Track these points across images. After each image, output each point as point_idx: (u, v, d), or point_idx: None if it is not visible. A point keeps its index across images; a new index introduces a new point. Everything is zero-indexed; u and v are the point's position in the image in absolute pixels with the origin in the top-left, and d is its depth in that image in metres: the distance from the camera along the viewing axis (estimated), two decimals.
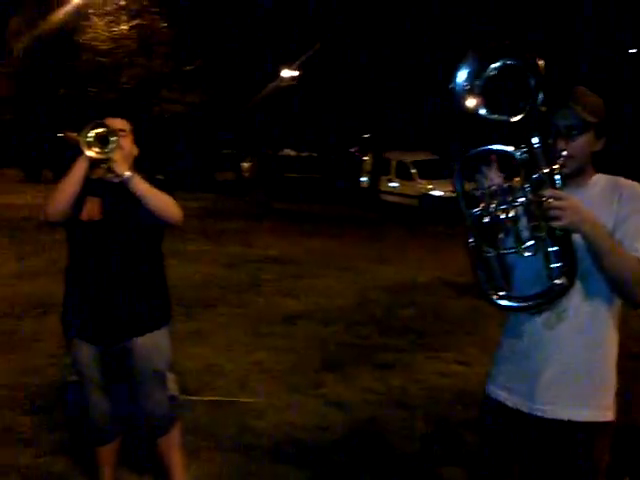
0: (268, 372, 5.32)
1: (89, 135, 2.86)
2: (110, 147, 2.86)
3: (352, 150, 28.42)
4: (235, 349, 5.88)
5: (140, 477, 3.60)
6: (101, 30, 18.38)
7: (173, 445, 3.31)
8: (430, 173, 18.56)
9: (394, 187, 20.07)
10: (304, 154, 30.67)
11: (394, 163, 20.26)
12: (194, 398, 4.60)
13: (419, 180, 18.97)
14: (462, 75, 1.95)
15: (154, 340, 3.09)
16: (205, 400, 4.64)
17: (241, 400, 4.71)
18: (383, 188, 20.36)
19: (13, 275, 8.61)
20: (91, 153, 2.86)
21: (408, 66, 19.00)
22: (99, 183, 3.00)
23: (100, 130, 2.87)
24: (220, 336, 6.22)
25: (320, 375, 5.27)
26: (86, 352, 3.05)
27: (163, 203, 2.99)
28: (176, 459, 3.34)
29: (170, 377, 3.21)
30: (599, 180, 2.16)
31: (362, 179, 21.96)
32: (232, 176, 26.74)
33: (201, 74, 18.98)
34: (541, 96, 1.89)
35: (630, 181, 2.13)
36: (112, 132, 2.88)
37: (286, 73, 23.87)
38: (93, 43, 18.37)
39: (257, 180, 20.07)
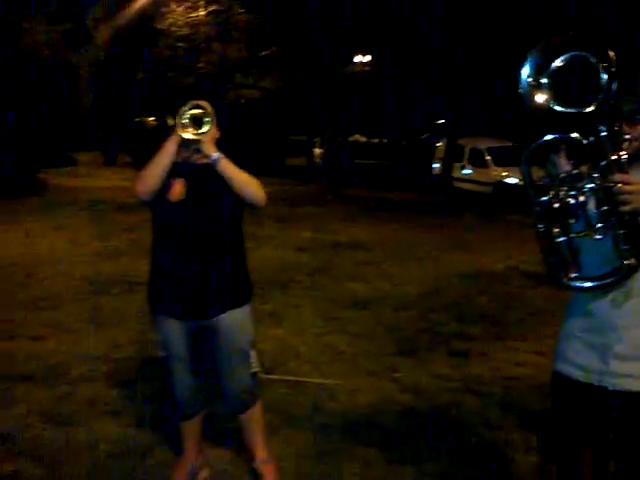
0: (341, 355, 5.39)
1: (185, 117, 2.94)
2: (204, 129, 2.95)
3: (424, 136, 28.13)
4: (308, 331, 5.97)
5: (223, 452, 3.71)
6: (179, 16, 18.71)
7: (255, 421, 3.41)
8: (505, 160, 18.23)
9: (468, 174, 19.80)
10: (375, 140, 30.59)
11: (468, 150, 19.96)
12: (269, 377, 4.71)
13: (494, 167, 18.65)
14: (529, 71, 2.01)
15: (238, 317, 3.18)
16: (280, 380, 4.74)
17: (315, 381, 4.79)
18: (456, 175, 20.11)
19: (96, 254, 8.93)
20: (187, 135, 2.94)
21: (483, 49, 18.66)
22: (184, 164, 3.08)
23: (195, 111, 2.95)
24: (293, 318, 6.32)
25: (394, 360, 5.31)
26: (172, 328, 3.16)
27: (249, 184, 3.08)
28: (258, 436, 3.43)
29: (253, 354, 3.29)
30: None
31: (434, 166, 21.72)
32: (303, 162, 26.91)
33: (276, 60, 19.11)
34: (614, 86, 1.94)
35: None
36: (206, 114, 2.96)
37: (359, 58, 23.82)
38: (171, 29, 18.74)
39: (328, 166, 20.10)
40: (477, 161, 19.46)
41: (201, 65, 19.39)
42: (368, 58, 24.22)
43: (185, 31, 19.07)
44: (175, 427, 3.51)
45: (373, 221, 13.29)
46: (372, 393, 4.64)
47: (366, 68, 24.36)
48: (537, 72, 2.01)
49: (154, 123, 34.22)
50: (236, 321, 3.18)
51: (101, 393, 4.45)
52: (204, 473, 3.47)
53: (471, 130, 21.50)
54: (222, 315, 3.13)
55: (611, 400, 2.25)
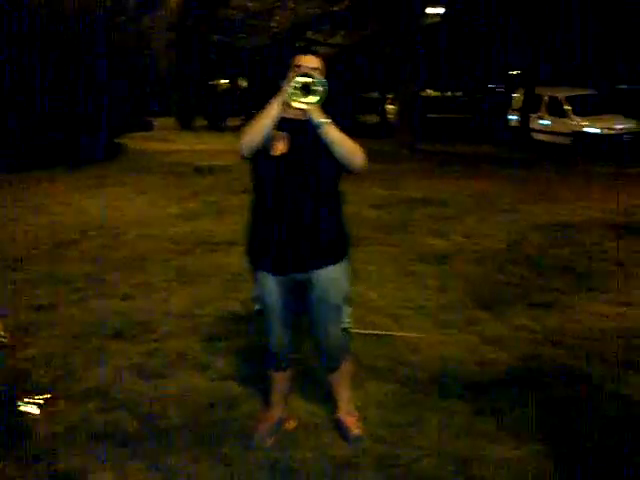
0: (421, 309, 5.40)
1: (295, 85, 2.94)
2: (314, 98, 2.95)
3: (499, 88, 27.40)
4: (387, 286, 5.99)
5: (308, 403, 3.80)
6: None
7: (345, 377, 3.49)
8: (585, 109, 17.61)
9: (546, 125, 19.22)
10: (448, 94, 29.99)
11: (546, 99, 19.32)
12: (354, 331, 4.75)
13: (573, 117, 18.05)
14: None
15: (335, 273, 3.22)
16: (361, 333, 4.79)
17: (397, 334, 4.84)
18: (534, 126, 19.54)
19: (176, 217, 9.15)
20: (296, 103, 2.95)
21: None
22: (289, 120, 3.07)
23: (306, 80, 2.95)
24: (372, 274, 6.34)
25: (474, 313, 5.29)
26: (271, 283, 3.22)
27: (350, 150, 3.08)
28: (346, 390, 3.52)
29: (346, 310, 3.33)
30: None
31: (511, 117, 21.15)
32: (376, 119, 26.66)
33: (348, 15, 18.86)
34: None
35: None
36: (315, 82, 2.95)
37: (431, 10, 23.23)
38: None
39: (401, 122, 19.83)
40: (555, 111, 18.84)
41: (274, 25, 19.32)
42: (441, 10, 23.61)
43: None
44: (261, 380, 3.62)
45: (448, 176, 13.11)
46: (453, 346, 4.65)
47: (438, 20, 23.74)
48: None
49: (227, 85, 34.54)
50: (333, 276, 3.21)
51: (188, 348, 4.61)
52: (290, 424, 3.57)
53: (549, 79, 20.79)
54: (319, 270, 3.17)
55: None
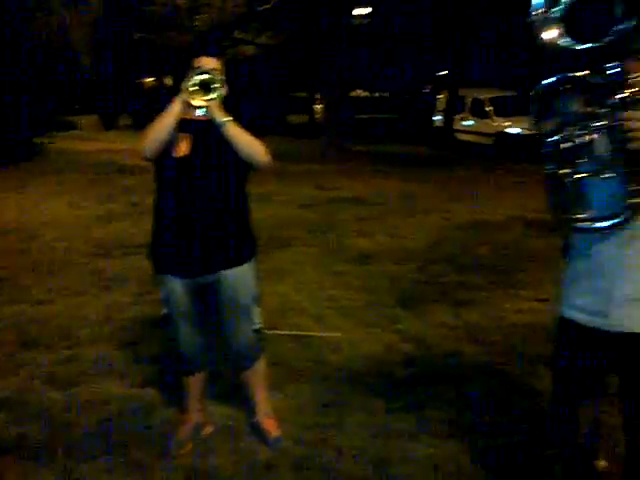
0: (343, 309, 5.41)
1: (193, 82, 2.91)
2: (212, 95, 2.93)
3: (426, 89, 27.83)
4: (311, 287, 5.98)
5: (225, 408, 3.74)
6: None
7: (259, 377, 3.45)
8: (507, 110, 18.04)
9: (469, 125, 19.62)
10: (376, 94, 30.26)
11: (469, 101, 19.74)
12: (272, 332, 4.73)
13: (495, 118, 18.47)
14: (539, 6, 2.00)
15: (241, 273, 3.20)
16: (283, 334, 4.77)
17: (318, 334, 4.82)
18: (457, 127, 19.92)
19: (96, 218, 8.93)
20: (195, 101, 2.93)
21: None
22: (191, 121, 3.05)
23: (204, 77, 2.92)
24: (296, 274, 6.33)
25: (395, 311, 5.33)
26: (176, 286, 3.17)
27: (253, 147, 3.06)
28: (261, 391, 3.48)
29: (256, 311, 3.31)
30: None
31: (436, 118, 21.51)
32: (305, 119, 26.69)
33: (274, 15, 18.78)
34: (628, 23, 1.89)
35: None
36: (215, 79, 2.93)
37: (358, 11, 23.41)
38: None
39: (329, 122, 19.93)
40: (478, 112, 19.25)
41: (199, 23, 19.06)
42: (368, 10, 23.81)
43: None
44: (178, 386, 3.55)
45: (376, 176, 13.23)
46: (374, 344, 4.67)
47: (366, 21, 23.95)
48: (549, 4, 2.00)
49: (153, 84, 33.99)
50: (239, 277, 3.20)
51: (104, 355, 4.48)
52: (207, 429, 3.51)
53: (473, 81, 21.22)
54: (225, 271, 3.15)
55: (616, 342, 2.27)
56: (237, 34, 19.85)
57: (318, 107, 24.77)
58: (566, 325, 2.39)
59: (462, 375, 4.19)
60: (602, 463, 2.90)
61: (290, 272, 6.39)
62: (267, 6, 17.70)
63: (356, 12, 23.41)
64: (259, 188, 9.97)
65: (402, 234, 7.98)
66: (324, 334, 4.83)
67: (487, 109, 18.83)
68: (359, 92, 29.18)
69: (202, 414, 3.52)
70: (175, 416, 3.63)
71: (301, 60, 23.65)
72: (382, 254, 7.07)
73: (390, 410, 3.72)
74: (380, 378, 4.13)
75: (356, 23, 22.46)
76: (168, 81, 32.34)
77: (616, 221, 2.09)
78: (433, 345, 4.66)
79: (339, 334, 4.82)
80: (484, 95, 19.33)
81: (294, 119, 26.40)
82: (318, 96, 24.12)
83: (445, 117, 20.06)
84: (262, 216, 8.44)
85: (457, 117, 19.84)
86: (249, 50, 20.72)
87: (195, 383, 3.45)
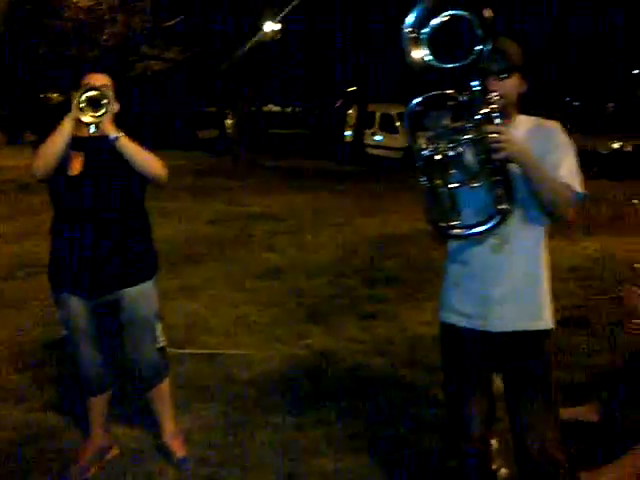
0: (253, 325, 5.41)
1: (81, 99, 2.88)
2: (102, 111, 2.90)
3: (337, 104, 28.20)
4: (220, 304, 5.96)
5: (131, 429, 3.68)
6: None
7: (164, 397, 3.41)
8: (415, 125, 18.44)
9: (379, 140, 19.99)
10: (288, 109, 30.48)
11: (378, 116, 20.13)
12: (181, 351, 4.69)
13: (404, 132, 18.87)
14: (409, 25, 2.12)
15: (142, 291, 3.17)
16: (192, 353, 4.73)
17: (227, 352, 4.80)
18: (368, 142, 20.26)
19: None
20: (85, 118, 2.90)
21: (389, 16, 18.76)
22: (84, 139, 3.03)
23: (91, 94, 2.90)
24: (204, 291, 6.30)
25: (305, 326, 5.37)
26: (75, 305, 3.12)
27: (149, 163, 3.06)
28: (167, 411, 3.43)
29: (159, 329, 3.28)
30: (524, 120, 2.40)
31: (346, 133, 21.82)
32: (215, 134, 26.56)
33: (182, 30, 18.69)
34: (488, 44, 2.06)
35: (551, 121, 2.40)
36: (103, 95, 2.91)
37: (269, 27, 23.52)
38: (73, 1, 17.98)
39: (240, 137, 19.94)
40: (388, 127, 19.66)
41: (105, 37, 18.74)
42: (278, 26, 23.96)
43: (88, 2, 18.32)
44: (81, 408, 3.46)
45: (286, 191, 13.30)
46: (283, 361, 4.69)
47: (277, 37, 24.08)
48: (418, 25, 2.11)
49: (59, 99, 33.07)
50: (140, 295, 3.17)
51: (5, 379, 4.33)
52: (112, 452, 3.44)
53: (384, 96, 21.65)
54: (125, 290, 3.12)
55: (496, 342, 2.40)
56: (144, 49, 19.62)
57: (229, 122, 24.73)
58: (448, 330, 2.51)
59: (369, 388, 4.25)
60: (503, 471, 3.02)
61: (200, 289, 6.35)
62: (173, 22, 17.58)
63: (267, 28, 23.53)
64: (169, 204, 9.93)
65: (312, 248, 8.06)
66: (233, 352, 4.81)
67: (396, 124, 19.25)
68: (270, 107, 29.32)
69: (106, 437, 3.44)
70: (78, 440, 3.54)
71: (211, 75, 23.54)
72: (293, 269, 7.12)
73: (298, 426, 3.73)
74: (288, 394, 4.14)
75: (267, 39, 22.55)
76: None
77: (488, 227, 2.23)
78: (341, 359, 4.71)
79: (248, 351, 4.81)
80: (393, 110, 19.76)
81: (204, 134, 26.22)
82: (229, 111, 24.08)
83: (355, 132, 20.38)
84: (172, 232, 8.40)
85: (367, 132, 20.18)
86: (157, 65, 20.49)
87: (98, 405, 3.37)
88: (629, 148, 17.48)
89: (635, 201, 12.02)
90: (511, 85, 2.30)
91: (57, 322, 5.15)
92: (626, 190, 13.31)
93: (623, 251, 7.55)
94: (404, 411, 3.93)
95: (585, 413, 3.68)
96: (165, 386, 3.40)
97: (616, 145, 17.43)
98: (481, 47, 2.06)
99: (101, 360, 3.26)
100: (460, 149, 2.18)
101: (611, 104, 30.67)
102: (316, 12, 21.39)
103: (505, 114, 2.27)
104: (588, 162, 16.43)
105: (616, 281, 6.16)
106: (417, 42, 2.11)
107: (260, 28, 19.42)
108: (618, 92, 29.81)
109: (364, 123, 20.25)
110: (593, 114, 24.83)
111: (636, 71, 30.83)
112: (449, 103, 2.18)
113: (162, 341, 3.31)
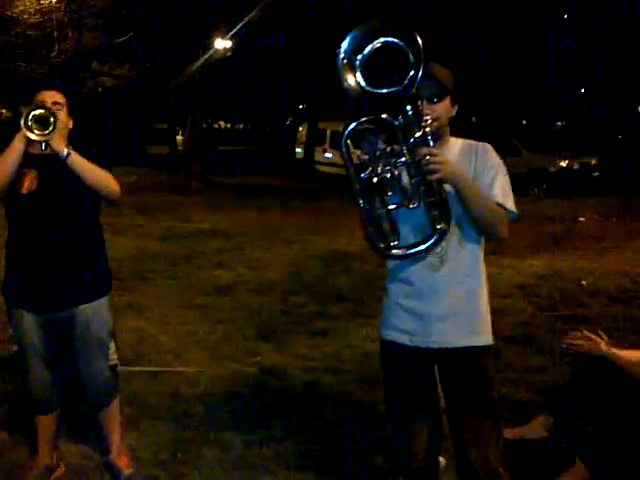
0: (202, 342, 5.40)
1: (28, 118, 2.89)
2: (50, 129, 2.91)
3: (287, 122, 28.37)
4: (169, 321, 5.93)
5: (77, 447, 3.64)
6: (29, 3, 17.70)
7: (113, 415, 3.40)
8: (351, 149, 18.64)
9: (329, 158, 20.12)
10: (239, 126, 30.50)
11: (329, 133, 20.28)
12: (129, 368, 4.66)
13: (354, 150, 19.02)
14: (344, 52, 2.18)
15: (96, 308, 3.17)
16: (139, 371, 4.70)
17: (175, 370, 4.79)
18: (318, 159, 20.39)
19: None
20: (33, 136, 2.91)
21: (340, 35, 19.00)
22: (37, 156, 3.05)
23: (39, 112, 2.91)
24: (154, 308, 6.27)
25: (255, 343, 5.39)
26: (28, 321, 3.12)
27: (101, 179, 3.09)
28: (115, 428, 3.42)
29: (112, 347, 3.27)
30: (457, 142, 2.49)
31: (297, 150, 21.94)
32: (166, 150, 26.40)
33: (133, 47, 18.59)
34: (420, 70, 2.13)
35: (482, 142, 2.50)
36: (52, 113, 2.92)
37: (220, 44, 23.57)
38: (22, 17, 17.70)
39: (191, 153, 19.88)
40: (338, 145, 19.75)
41: (55, 54, 18.49)
42: (229, 44, 24.03)
43: (37, 19, 18.05)
44: (29, 426, 3.43)
45: (237, 208, 13.32)
46: (232, 378, 4.69)
47: (227, 54, 24.13)
48: (353, 52, 2.17)
49: (8, 115, 32.46)
50: (94, 312, 3.17)
51: None
52: (59, 472, 3.40)
53: (335, 114, 21.86)
54: (79, 307, 3.12)
55: (436, 359, 2.48)
56: (95, 66, 19.44)
57: (180, 138, 24.64)
58: (388, 347, 2.57)
59: (319, 405, 4.28)
60: None
61: (149, 306, 6.31)
62: (124, 38, 17.49)
63: (218, 45, 23.56)
64: (118, 220, 9.84)
65: (263, 265, 8.09)
66: (181, 369, 4.81)
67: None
68: (221, 124, 29.31)
69: (54, 455, 3.40)
70: (24, 459, 3.49)
71: (162, 91, 23.45)
72: (243, 286, 7.13)
73: (246, 443, 3.74)
74: (237, 412, 4.15)
75: (218, 56, 22.59)
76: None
77: (426, 246, 2.30)
78: (291, 376, 4.74)
79: (197, 368, 4.81)
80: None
81: (154, 150, 26.04)
82: (179, 127, 24.00)
83: (306, 149, 20.51)
84: (122, 249, 8.32)
85: (318, 149, 20.31)
86: (108, 82, 20.30)
87: (46, 423, 3.34)
88: (576, 166, 17.99)
89: (582, 219, 12.39)
90: (443, 108, 2.40)
91: (7, 339, 5.12)
92: (573, 208, 13.71)
93: (570, 269, 7.76)
94: (353, 428, 3.97)
95: (530, 431, 3.75)
96: (114, 404, 3.40)
97: (564, 163, 17.91)
98: (413, 72, 2.13)
99: (51, 378, 3.24)
100: (396, 172, 2.23)
101: (559, 122, 31.59)
102: (268, 29, 21.51)
103: (438, 136, 2.37)
104: (536, 180, 17.05)
105: (562, 298, 6.35)
106: (352, 68, 2.17)
107: (211, 45, 19.46)
108: (566, 111, 30.70)
109: (314, 140, 20.39)
110: (541, 132, 25.54)
111: (583, 90, 31.78)
112: (384, 127, 2.24)
113: (114, 359, 3.31)
